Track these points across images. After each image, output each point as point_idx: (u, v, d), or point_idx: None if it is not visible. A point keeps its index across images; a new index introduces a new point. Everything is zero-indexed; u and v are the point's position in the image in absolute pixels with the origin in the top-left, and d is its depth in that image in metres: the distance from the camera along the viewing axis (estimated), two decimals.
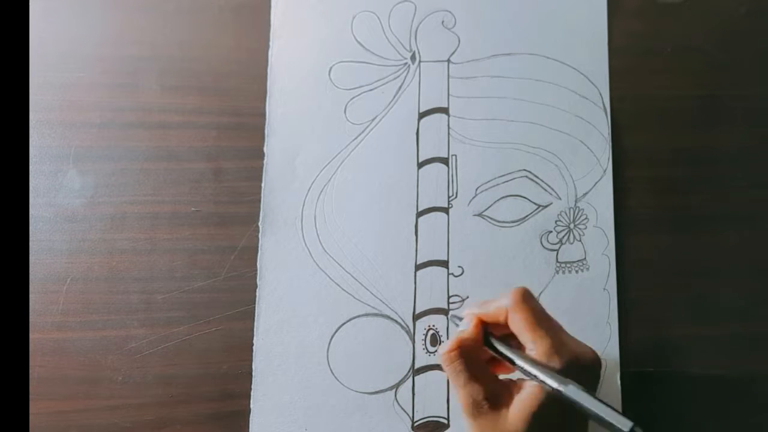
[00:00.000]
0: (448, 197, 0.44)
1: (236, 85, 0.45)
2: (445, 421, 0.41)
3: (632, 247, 0.44)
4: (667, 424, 0.42)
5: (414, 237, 0.43)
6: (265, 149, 0.44)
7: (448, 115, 0.45)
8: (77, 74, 0.45)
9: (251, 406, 0.41)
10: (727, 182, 0.45)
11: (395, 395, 0.41)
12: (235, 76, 0.45)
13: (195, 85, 0.45)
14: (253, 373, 0.41)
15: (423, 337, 0.42)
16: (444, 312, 0.42)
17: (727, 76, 0.47)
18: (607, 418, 0.29)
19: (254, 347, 0.42)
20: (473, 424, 0.34)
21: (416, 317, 0.42)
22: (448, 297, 0.43)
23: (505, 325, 0.35)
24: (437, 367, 0.42)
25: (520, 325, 0.34)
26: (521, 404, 0.32)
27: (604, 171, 0.45)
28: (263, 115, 0.45)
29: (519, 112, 0.45)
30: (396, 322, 0.42)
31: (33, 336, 0.41)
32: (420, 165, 0.44)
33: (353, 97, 0.45)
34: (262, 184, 0.44)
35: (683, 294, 0.44)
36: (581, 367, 0.33)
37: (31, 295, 0.42)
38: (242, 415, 0.41)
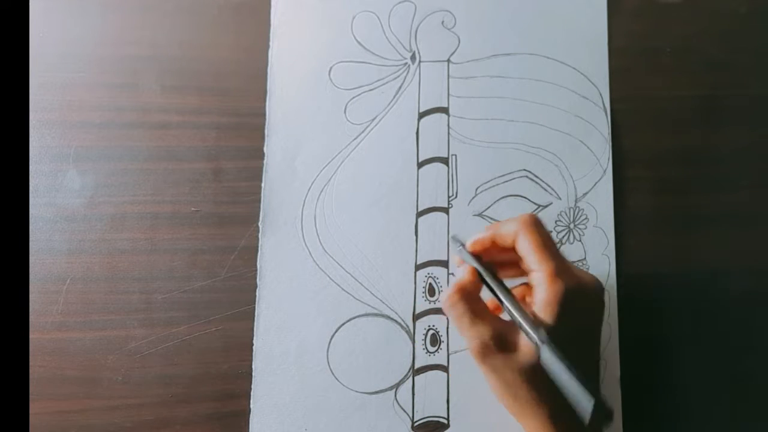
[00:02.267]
0: (448, 197, 0.44)
1: (236, 85, 0.45)
2: (445, 421, 0.41)
3: (632, 247, 0.44)
4: (667, 424, 0.42)
5: (414, 237, 0.43)
6: (265, 149, 0.44)
7: (448, 115, 0.45)
8: (77, 74, 0.45)
9: (251, 406, 0.41)
10: (727, 182, 0.45)
11: (395, 395, 0.41)
12: (235, 76, 0.45)
13: (195, 85, 0.45)
14: (253, 373, 0.41)
15: (423, 337, 0.42)
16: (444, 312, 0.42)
17: (727, 76, 0.47)
18: (571, 393, 0.29)
19: (254, 347, 0.42)
20: (483, 367, 0.34)
21: (416, 317, 0.42)
22: None
23: (511, 249, 0.36)
24: (437, 367, 0.42)
25: (528, 248, 0.35)
26: (530, 345, 0.33)
27: (604, 171, 0.45)
28: (263, 115, 0.45)
29: (519, 112, 0.45)
30: (396, 322, 0.42)
31: (33, 336, 0.41)
32: (420, 165, 0.44)
33: (353, 97, 0.45)
34: (262, 184, 0.44)
35: (683, 294, 0.43)
36: (584, 290, 0.34)
37: (31, 295, 0.42)
38: (242, 415, 0.41)
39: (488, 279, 0.36)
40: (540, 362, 0.32)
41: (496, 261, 0.37)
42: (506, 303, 0.34)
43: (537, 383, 0.33)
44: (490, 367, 0.34)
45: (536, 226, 0.35)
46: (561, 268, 0.34)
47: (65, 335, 0.41)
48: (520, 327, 0.33)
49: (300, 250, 0.43)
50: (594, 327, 0.36)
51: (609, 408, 0.28)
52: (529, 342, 0.33)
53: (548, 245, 0.35)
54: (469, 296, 0.35)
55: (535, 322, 0.33)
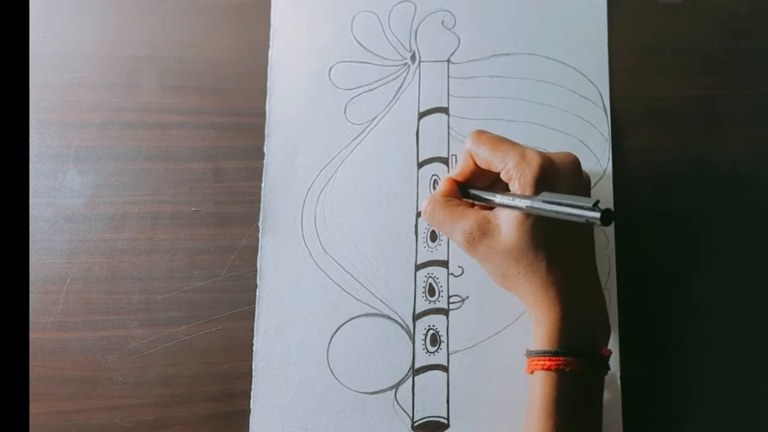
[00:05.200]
0: None
1: (236, 85, 0.45)
2: (445, 421, 0.41)
3: (632, 247, 0.44)
4: (668, 424, 0.42)
5: (414, 237, 0.43)
6: (265, 149, 0.44)
7: (448, 115, 0.45)
8: (77, 74, 0.45)
9: (251, 406, 0.41)
10: (727, 182, 0.45)
11: (395, 395, 0.41)
12: (235, 76, 0.45)
13: (195, 85, 0.45)
14: (253, 373, 0.41)
15: (423, 337, 0.42)
16: (444, 312, 0.42)
17: (727, 76, 0.47)
18: (574, 211, 0.30)
19: (254, 347, 0.42)
20: (474, 256, 0.37)
21: (416, 317, 0.42)
22: (449, 297, 0.42)
23: (485, 171, 0.38)
24: (437, 367, 0.42)
25: (485, 155, 0.37)
26: (507, 220, 0.35)
27: (604, 171, 0.45)
28: (263, 115, 0.45)
29: (519, 112, 0.45)
30: (396, 322, 0.42)
31: (33, 336, 0.41)
32: (420, 165, 0.44)
33: (353, 97, 0.45)
34: (262, 184, 0.44)
35: (683, 294, 0.44)
36: (558, 164, 0.36)
37: (31, 295, 0.42)
38: (242, 415, 0.41)
39: (470, 190, 0.39)
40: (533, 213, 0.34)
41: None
42: (485, 195, 0.37)
43: (521, 259, 0.35)
44: (479, 255, 0.37)
45: (481, 134, 0.38)
46: (524, 152, 0.35)
47: (65, 335, 0.41)
48: (503, 206, 0.35)
49: (300, 250, 0.43)
50: (581, 192, 0.37)
51: (606, 207, 0.29)
52: (509, 222, 0.35)
53: (503, 140, 0.37)
54: (443, 202, 0.38)
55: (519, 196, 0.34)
